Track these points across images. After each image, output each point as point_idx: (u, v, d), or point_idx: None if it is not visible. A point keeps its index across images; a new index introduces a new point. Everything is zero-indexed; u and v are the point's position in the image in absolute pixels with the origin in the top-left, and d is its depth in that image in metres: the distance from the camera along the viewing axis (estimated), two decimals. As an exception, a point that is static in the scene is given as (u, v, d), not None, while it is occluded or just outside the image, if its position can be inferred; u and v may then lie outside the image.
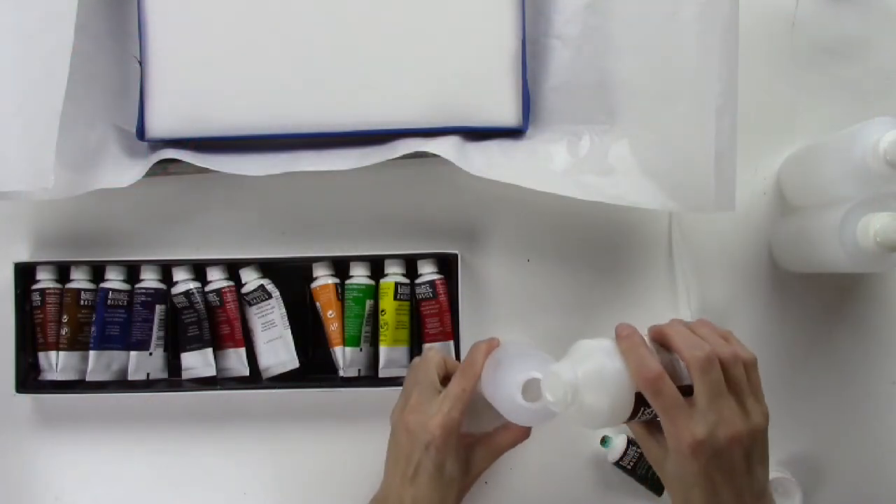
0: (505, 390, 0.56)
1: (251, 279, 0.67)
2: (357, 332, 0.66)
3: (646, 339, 0.51)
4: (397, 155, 0.62)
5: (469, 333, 0.65)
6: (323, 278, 0.66)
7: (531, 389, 0.54)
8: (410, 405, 0.58)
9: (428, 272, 0.66)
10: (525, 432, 0.61)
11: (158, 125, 0.64)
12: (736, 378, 0.49)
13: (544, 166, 0.63)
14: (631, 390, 0.49)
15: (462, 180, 0.63)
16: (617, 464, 0.66)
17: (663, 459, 0.51)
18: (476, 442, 0.61)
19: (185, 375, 0.67)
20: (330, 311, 0.66)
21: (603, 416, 0.49)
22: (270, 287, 0.67)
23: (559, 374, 0.49)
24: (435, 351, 0.62)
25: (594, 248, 0.69)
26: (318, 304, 0.67)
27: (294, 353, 0.66)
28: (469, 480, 0.60)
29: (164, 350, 0.67)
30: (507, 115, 0.64)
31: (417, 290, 0.67)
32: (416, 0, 0.63)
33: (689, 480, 0.48)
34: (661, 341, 0.51)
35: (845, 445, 0.69)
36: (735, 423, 0.47)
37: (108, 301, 0.65)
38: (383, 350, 0.66)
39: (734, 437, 0.47)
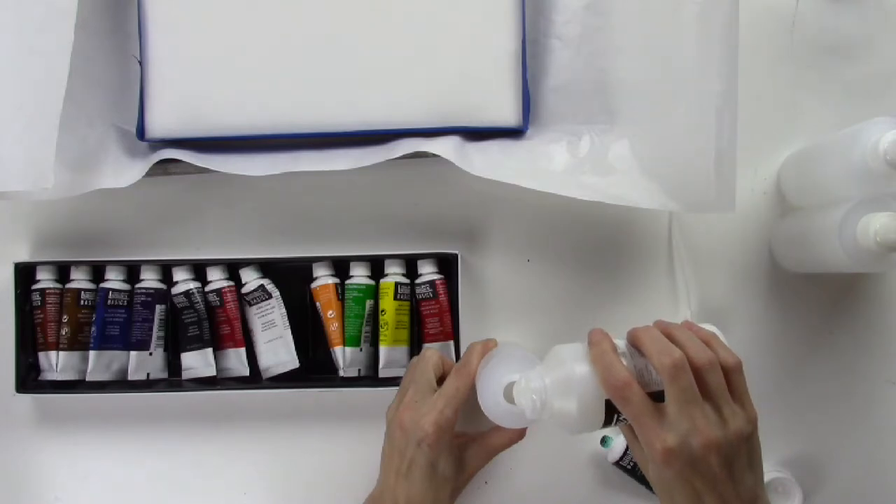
0: (488, 392, 0.56)
1: (251, 279, 0.67)
2: (357, 332, 0.66)
3: (622, 342, 0.51)
4: (397, 155, 0.62)
5: (469, 333, 0.65)
6: (323, 278, 0.66)
7: (511, 392, 0.54)
8: (405, 403, 0.58)
9: (428, 272, 0.66)
10: (519, 433, 0.61)
11: (158, 125, 0.64)
12: (712, 384, 0.47)
13: (544, 166, 0.63)
14: (600, 397, 0.48)
15: (462, 180, 0.63)
16: (617, 464, 0.66)
17: (646, 463, 0.50)
18: (471, 441, 0.61)
19: (185, 375, 0.67)
20: (330, 311, 0.66)
21: (574, 422, 0.49)
22: (270, 287, 0.67)
23: (528, 381, 0.50)
24: (433, 351, 0.62)
25: (594, 248, 0.69)
26: (318, 304, 0.67)
27: (294, 353, 0.66)
28: (463, 479, 0.60)
29: (165, 350, 0.67)
30: (507, 115, 0.64)
31: (417, 290, 0.67)
32: (416, 0, 0.63)
33: (669, 486, 0.48)
34: (635, 345, 0.50)
35: (845, 445, 0.69)
36: (709, 431, 0.46)
37: (109, 301, 0.65)
38: (383, 350, 0.66)
39: (708, 444, 0.46)
